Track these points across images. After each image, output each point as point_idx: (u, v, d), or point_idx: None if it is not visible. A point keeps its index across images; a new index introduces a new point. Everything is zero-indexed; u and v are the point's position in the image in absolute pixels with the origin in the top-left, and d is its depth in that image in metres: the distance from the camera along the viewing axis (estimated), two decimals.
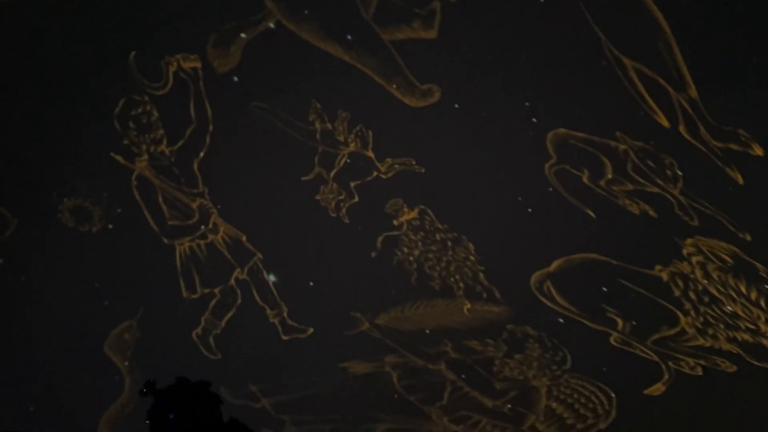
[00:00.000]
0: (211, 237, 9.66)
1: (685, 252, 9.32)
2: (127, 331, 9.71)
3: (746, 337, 9.32)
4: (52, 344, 9.56)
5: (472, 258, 9.64)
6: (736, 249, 9.23)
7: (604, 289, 9.48)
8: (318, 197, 9.65)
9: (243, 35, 9.44)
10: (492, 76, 9.32)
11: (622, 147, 9.27)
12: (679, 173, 9.21)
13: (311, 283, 9.72)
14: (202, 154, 9.62)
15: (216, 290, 9.70)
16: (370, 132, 9.59)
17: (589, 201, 9.39)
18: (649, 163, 9.25)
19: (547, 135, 9.33)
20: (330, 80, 9.47)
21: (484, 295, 9.66)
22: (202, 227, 9.63)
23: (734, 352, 9.37)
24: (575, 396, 9.64)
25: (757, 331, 9.28)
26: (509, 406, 9.67)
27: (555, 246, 9.52)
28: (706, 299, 9.37)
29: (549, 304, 9.56)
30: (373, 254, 9.64)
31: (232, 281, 9.70)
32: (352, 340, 9.69)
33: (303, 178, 9.62)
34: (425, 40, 9.33)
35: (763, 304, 9.23)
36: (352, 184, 9.63)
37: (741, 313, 9.30)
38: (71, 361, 9.55)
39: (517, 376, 9.65)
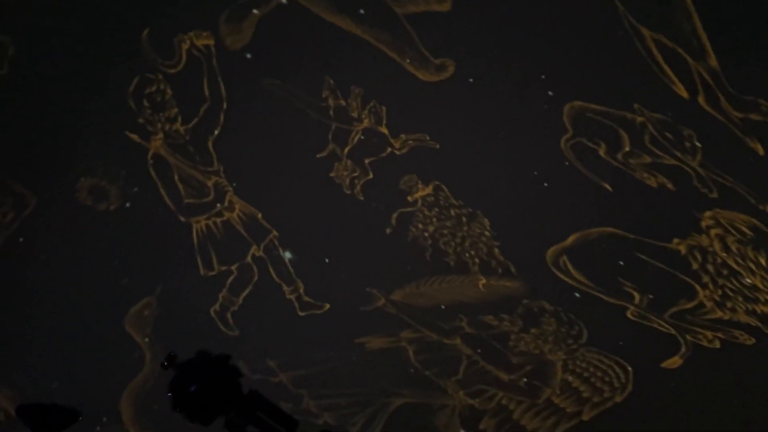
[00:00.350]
0: (227, 215, 9.71)
1: (703, 225, 9.19)
2: (147, 308, 9.84)
3: (765, 309, 9.24)
4: (74, 322, 9.71)
5: (487, 233, 9.60)
6: (755, 221, 9.09)
7: (621, 263, 9.40)
8: (332, 174, 9.64)
9: (255, 11, 9.37)
10: (507, 50, 9.16)
11: (639, 119, 9.12)
12: (698, 145, 9.06)
13: (327, 260, 9.74)
14: (216, 132, 9.64)
15: (233, 267, 9.77)
16: (384, 108, 9.52)
17: (605, 174, 9.26)
18: (668, 135, 9.10)
19: (563, 108, 9.20)
20: (343, 56, 9.37)
21: (500, 270, 9.63)
22: (218, 205, 9.67)
23: (753, 324, 9.29)
24: (591, 370, 9.64)
25: None
26: (525, 380, 9.71)
27: (571, 220, 9.42)
28: (725, 272, 9.27)
29: (565, 278, 9.51)
30: (388, 230, 9.63)
31: (249, 258, 9.77)
32: (368, 316, 9.73)
33: (317, 156, 9.60)
34: (439, 13, 9.16)
35: None
36: (367, 161, 9.59)
37: (760, 285, 9.21)
38: (93, 339, 9.70)
39: (533, 350, 9.66)
